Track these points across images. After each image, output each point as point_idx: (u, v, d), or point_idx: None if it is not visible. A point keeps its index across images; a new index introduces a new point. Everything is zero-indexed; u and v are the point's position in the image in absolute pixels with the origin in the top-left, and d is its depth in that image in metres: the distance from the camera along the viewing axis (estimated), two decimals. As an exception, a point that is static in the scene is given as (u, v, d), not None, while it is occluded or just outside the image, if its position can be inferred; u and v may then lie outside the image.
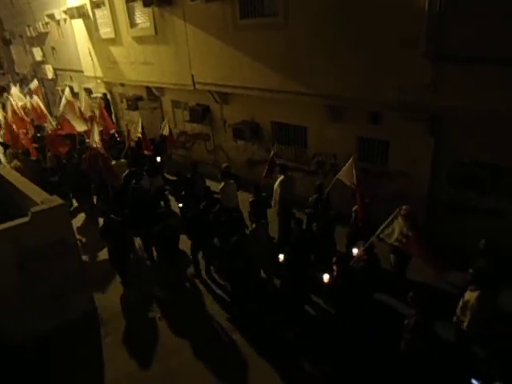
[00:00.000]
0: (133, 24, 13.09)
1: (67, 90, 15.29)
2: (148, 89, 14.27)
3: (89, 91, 18.39)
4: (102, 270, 8.34)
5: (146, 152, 11.38)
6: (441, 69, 6.45)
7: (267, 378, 5.59)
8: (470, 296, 4.72)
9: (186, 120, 13.14)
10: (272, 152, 9.08)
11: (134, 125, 11.98)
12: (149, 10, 11.88)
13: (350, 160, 7.19)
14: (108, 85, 16.94)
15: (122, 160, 11.10)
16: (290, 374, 5.64)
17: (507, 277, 5.25)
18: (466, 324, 4.76)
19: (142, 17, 12.55)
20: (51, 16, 18.07)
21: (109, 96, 17.18)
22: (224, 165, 9.30)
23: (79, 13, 15.09)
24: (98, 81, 17.13)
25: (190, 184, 9.14)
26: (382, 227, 5.54)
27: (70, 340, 6.51)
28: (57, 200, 6.68)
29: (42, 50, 21.19)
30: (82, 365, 6.13)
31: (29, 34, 21.11)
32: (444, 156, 7.41)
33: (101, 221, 7.94)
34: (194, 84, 11.59)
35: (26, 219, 6.16)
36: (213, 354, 6.14)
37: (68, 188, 10.91)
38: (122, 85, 15.79)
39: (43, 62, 21.49)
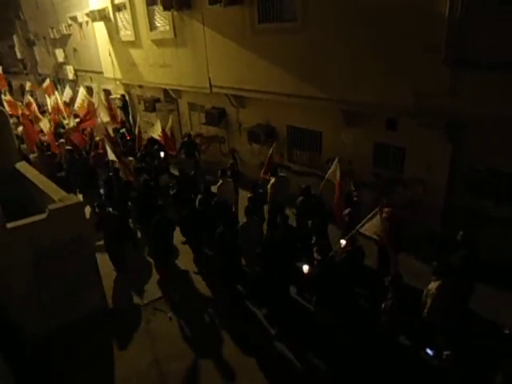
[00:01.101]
0: (152, 27, 13.29)
1: (81, 89, 15.79)
2: (165, 91, 14.45)
3: (108, 92, 18.73)
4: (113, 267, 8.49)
5: (170, 152, 11.73)
6: (460, 75, 6.37)
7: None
8: (432, 285, 5.02)
9: (202, 122, 13.26)
10: (271, 150, 9.29)
11: (154, 126, 12.17)
12: (168, 13, 12.04)
13: (336, 160, 7.55)
14: (127, 86, 17.21)
15: (130, 158, 11.31)
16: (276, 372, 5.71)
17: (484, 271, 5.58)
18: (426, 311, 5.04)
19: (162, 20, 12.74)
20: (74, 18, 18.50)
21: (127, 97, 17.44)
22: (230, 162, 9.76)
23: (101, 16, 15.42)
24: (117, 82, 17.42)
25: (192, 181, 9.52)
26: (363, 221, 5.89)
27: (82, 336, 6.59)
28: (74, 198, 6.80)
29: (64, 51, 21.68)
30: (93, 361, 6.20)
31: (52, 35, 21.63)
32: (462, 163, 7.29)
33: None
34: (210, 87, 11.69)
35: (43, 216, 6.27)
36: (221, 352, 6.15)
37: (75, 183, 11.03)
38: (141, 87, 16.02)
39: (65, 63, 21.98)
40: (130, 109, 17.53)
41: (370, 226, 6.16)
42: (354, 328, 5.81)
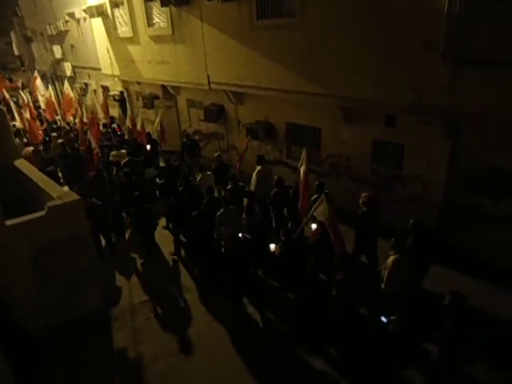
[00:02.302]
0: (150, 23, 13.24)
1: (66, 83, 17.33)
2: (164, 87, 14.41)
3: (106, 89, 18.68)
4: (114, 264, 8.55)
5: (162, 145, 12.70)
6: (458, 72, 6.36)
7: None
8: (389, 259, 5.64)
9: (201, 119, 13.24)
10: (246, 141, 10.13)
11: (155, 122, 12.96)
12: (166, 9, 12.00)
13: (303, 152, 7.83)
14: (125, 83, 17.16)
15: (123, 150, 11.87)
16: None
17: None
18: (383, 283, 5.66)
19: (160, 16, 12.70)
20: (71, 15, 18.42)
21: (125, 94, 17.40)
22: (217, 154, 10.31)
23: (98, 12, 15.36)
24: (115, 79, 17.37)
25: (176, 171, 10.19)
26: (314, 206, 6.52)
27: (82, 334, 6.60)
28: (73, 195, 6.80)
29: (61, 47, 21.60)
30: (93, 358, 6.21)
31: (49, 32, 21.54)
32: (461, 160, 7.30)
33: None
34: (209, 83, 11.67)
35: (41, 213, 6.27)
36: (222, 349, 6.18)
37: (64, 176, 11.89)
38: (139, 83, 15.99)
39: (62, 60, 21.90)
40: (128, 105, 17.48)
41: (320, 212, 6.64)
42: (313, 299, 6.31)
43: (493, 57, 5.93)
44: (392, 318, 5.45)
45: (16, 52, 29.35)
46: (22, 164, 8.84)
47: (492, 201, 6.97)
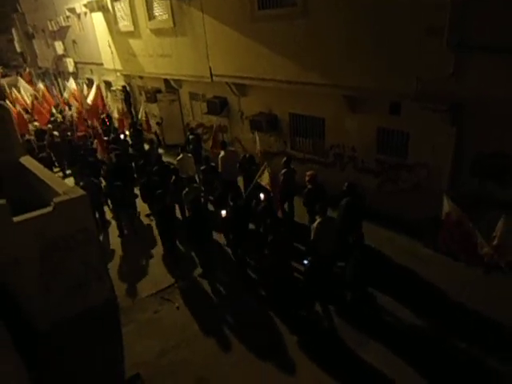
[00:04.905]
0: (151, 16, 13.16)
1: (71, 80, 18.73)
2: (166, 81, 14.37)
3: (109, 84, 18.67)
4: (121, 258, 8.65)
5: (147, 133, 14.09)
6: (464, 58, 6.27)
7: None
8: (315, 222, 6.46)
9: (204, 112, 13.20)
10: (214, 126, 10.88)
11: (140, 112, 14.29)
12: (167, 2, 11.92)
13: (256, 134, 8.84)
14: (127, 77, 17.14)
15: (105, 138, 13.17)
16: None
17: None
18: (311, 238, 6.50)
19: (160, 9, 12.61)
20: (72, 10, 18.36)
21: (128, 88, 17.38)
22: (191, 137, 11.55)
23: (99, 6, 15.29)
24: (118, 73, 17.34)
25: (146, 156, 11.49)
26: (259, 173, 7.67)
27: (91, 328, 6.67)
28: (78, 191, 6.84)
29: (63, 43, 21.56)
30: (101, 352, 6.28)
31: (50, 27, 21.51)
32: (466, 147, 7.23)
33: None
34: (211, 76, 11.61)
35: (48, 209, 6.33)
36: (232, 341, 6.24)
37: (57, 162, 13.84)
38: (141, 77, 15.95)
39: (64, 56, 21.88)
40: (131, 100, 17.47)
41: (264, 178, 7.58)
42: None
43: (497, 42, 5.84)
44: (305, 261, 6.47)
45: (18, 49, 29.36)
46: (27, 161, 8.90)
47: (499, 187, 6.90)
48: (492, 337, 5.78)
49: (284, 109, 10.59)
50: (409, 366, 5.48)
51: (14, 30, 28.55)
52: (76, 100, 17.10)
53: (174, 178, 9.09)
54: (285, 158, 8.69)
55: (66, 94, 19.48)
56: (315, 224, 6.40)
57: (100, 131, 12.94)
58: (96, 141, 12.51)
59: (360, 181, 9.14)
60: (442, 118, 7.17)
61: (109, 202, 10.19)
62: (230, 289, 7.49)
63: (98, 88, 17.22)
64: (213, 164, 9.71)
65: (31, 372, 5.39)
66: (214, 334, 6.43)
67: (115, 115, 15.93)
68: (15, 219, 6.05)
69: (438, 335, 5.93)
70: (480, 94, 6.24)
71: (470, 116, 6.98)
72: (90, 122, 15.53)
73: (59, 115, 17.77)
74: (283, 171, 8.46)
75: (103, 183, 10.38)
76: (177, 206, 9.17)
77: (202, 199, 9.33)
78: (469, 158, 7.21)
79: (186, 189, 8.53)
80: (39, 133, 15.14)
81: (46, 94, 18.97)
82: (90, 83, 19.52)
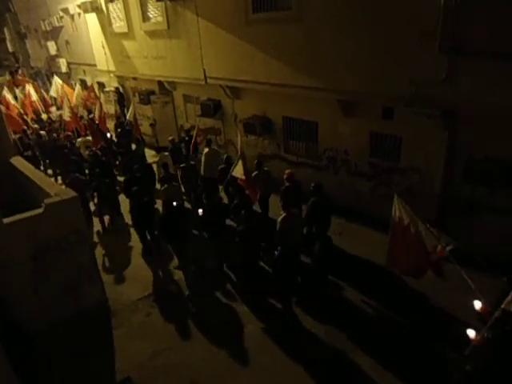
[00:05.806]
0: (145, 18, 13.15)
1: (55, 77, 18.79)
2: (160, 83, 14.33)
3: (102, 85, 18.57)
4: (113, 261, 8.58)
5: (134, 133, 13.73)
6: (456, 63, 6.35)
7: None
8: (280, 217, 6.88)
9: (198, 114, 13.17)
10: (196, 126, 11.04)
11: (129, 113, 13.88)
12: (161, 4, 11.91)
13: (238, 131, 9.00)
14: (120, 79, 17.07)
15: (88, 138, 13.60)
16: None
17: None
18: (277, 228, 6.91)
19: (155, 11, 12.60)
20: (65, 10, 18.26)
21: (121, 90, 17.30)
22: (170, 139, 11.56)
23: (93, 7, 15.24)
24: (111, 75, 17.26)
25: (131, 154, 11.95)
26: (233, 165, 7.91)
27: (82, 330, 6.59)
28: (70, 192, 6.78)
29: (56, 43, 21.43)
30: (93, 355, 6.21)
31: (43, 28, 21.38)
32: (458, 152, 7.30)
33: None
34: (205, 78, 11.61)
35: (39, 211, 6.25)
36: (224, 343, 6.21)
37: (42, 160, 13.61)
38: (135, 79, 15.89)
39: (57, 56, 21.74)
40: (125, 102, 17.39)
41: (237, 170, 7.84)
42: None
43: (491, 47, 5.91)
44: (276, 252, 7.05)
45: (10, 49, 29.11)
46: (18, 161, 8.80)
47: (490, 192, 6.97)
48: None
49: (278, 112, 10.61)
50: (366, 355, 5.79)
51: (6, 30, 28.32)
52: (66, 96, 16.88)
53: (163, 173, 9.53)
54: (256, 161, 8.78)
55: (52, 93, 19.32)
56: (279, 218, 6.90)
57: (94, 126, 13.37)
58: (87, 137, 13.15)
59: (353, 184, 9.19)
60: (434, 123, 7.23)
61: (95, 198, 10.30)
62: (207, 285, 7.64)
63: (92, 88, 17.16)
64: (193, 162, 10.12)
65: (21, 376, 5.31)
66: (205, 337, 6.38)
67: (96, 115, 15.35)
68: (5, 220, 5.97)
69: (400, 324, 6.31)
70: (473, 99, 6.30)
71: (462, 121, 7.04)
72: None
73: (45, 115, 17.65)
74: (254, 174, 8.57)
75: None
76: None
77: (182, 198, 9.60)
78: (461, 163, 7.27)
79: (165, 185, 8.83)
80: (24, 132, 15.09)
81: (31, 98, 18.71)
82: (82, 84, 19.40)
